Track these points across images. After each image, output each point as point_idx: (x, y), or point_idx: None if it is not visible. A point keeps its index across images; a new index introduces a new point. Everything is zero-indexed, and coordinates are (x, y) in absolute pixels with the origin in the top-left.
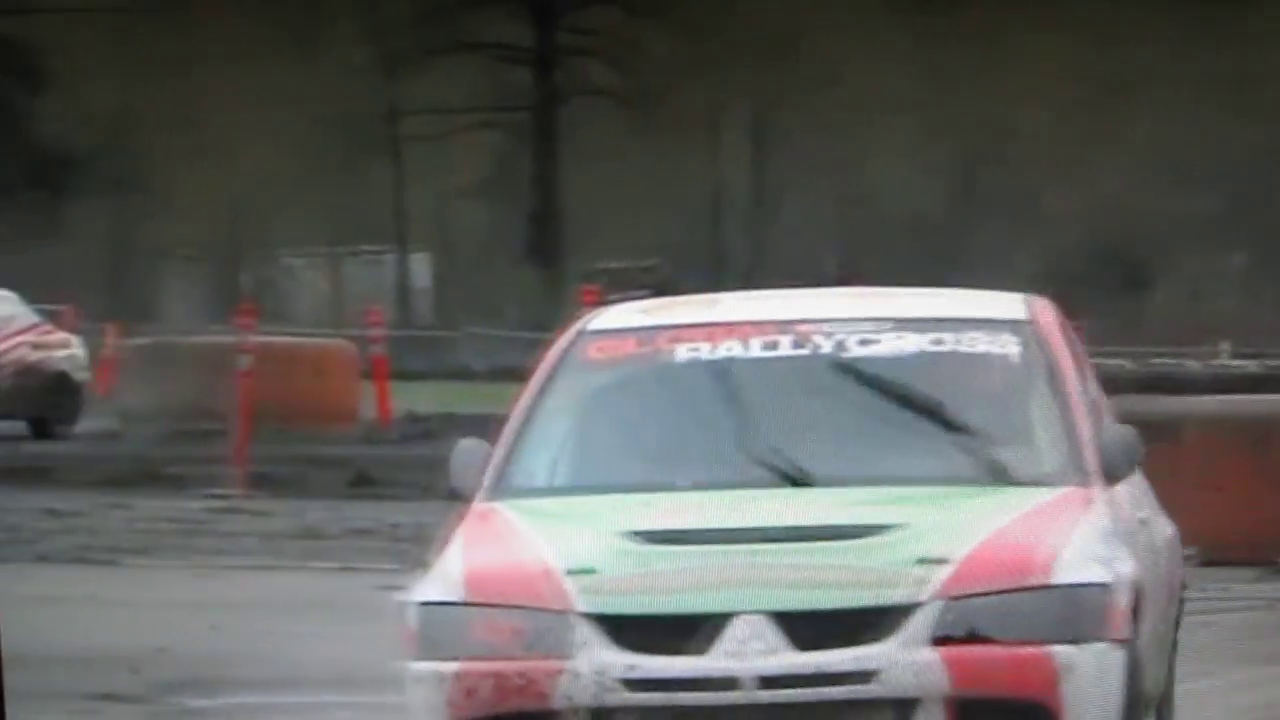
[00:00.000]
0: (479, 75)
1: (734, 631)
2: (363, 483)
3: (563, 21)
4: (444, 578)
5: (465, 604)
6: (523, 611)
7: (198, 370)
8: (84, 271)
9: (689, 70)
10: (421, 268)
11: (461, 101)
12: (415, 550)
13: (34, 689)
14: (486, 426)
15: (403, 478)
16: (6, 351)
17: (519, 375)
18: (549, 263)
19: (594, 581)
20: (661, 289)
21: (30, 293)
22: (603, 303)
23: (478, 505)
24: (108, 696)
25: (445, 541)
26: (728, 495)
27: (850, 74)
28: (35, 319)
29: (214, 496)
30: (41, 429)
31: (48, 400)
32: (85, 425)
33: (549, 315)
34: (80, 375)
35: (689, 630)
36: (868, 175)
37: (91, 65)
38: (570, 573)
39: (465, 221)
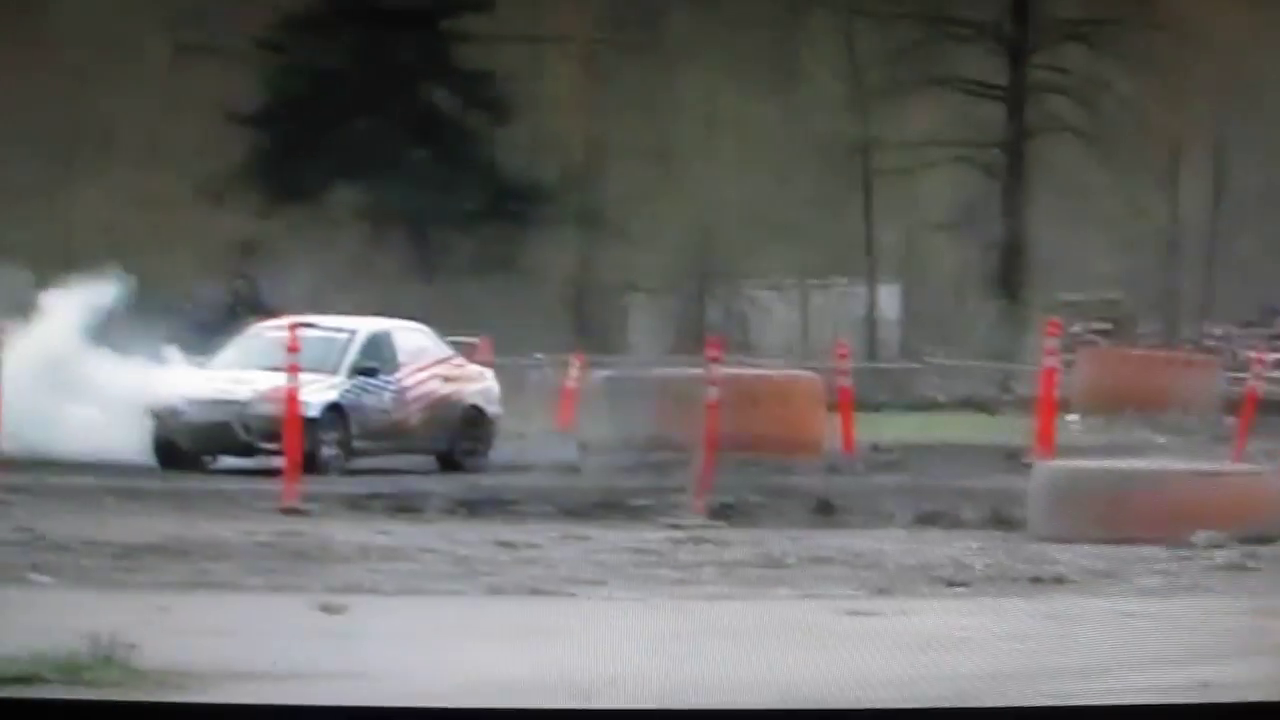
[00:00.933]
0: (950, 110)
1: None
2: (825, 511)
3: (1035, 59)
4: None
5: None
6: None
7: (661, 402)
8: (546, 303)
9: (1151, 107)
10: (890, 299)
11: (932, 136)
12: (874, 576)
13: None
14: (947, 457)
15: (864, 506)
16: (418, 385)
17: (980, 406)
18: (1012, 295)
19: None
20: (1121, 323)
21: (494, 326)
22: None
23: None
24: None
25: None
26: None
27: None
28: (448, 352)
29: (674, 527)
30: (450, 463)
31: (458, 434)
32: (545, 457)
33: (1011, 347)
34: (492, 409)
35: None
36: None
37: (560, 97)
38: None
39: (931, 254)
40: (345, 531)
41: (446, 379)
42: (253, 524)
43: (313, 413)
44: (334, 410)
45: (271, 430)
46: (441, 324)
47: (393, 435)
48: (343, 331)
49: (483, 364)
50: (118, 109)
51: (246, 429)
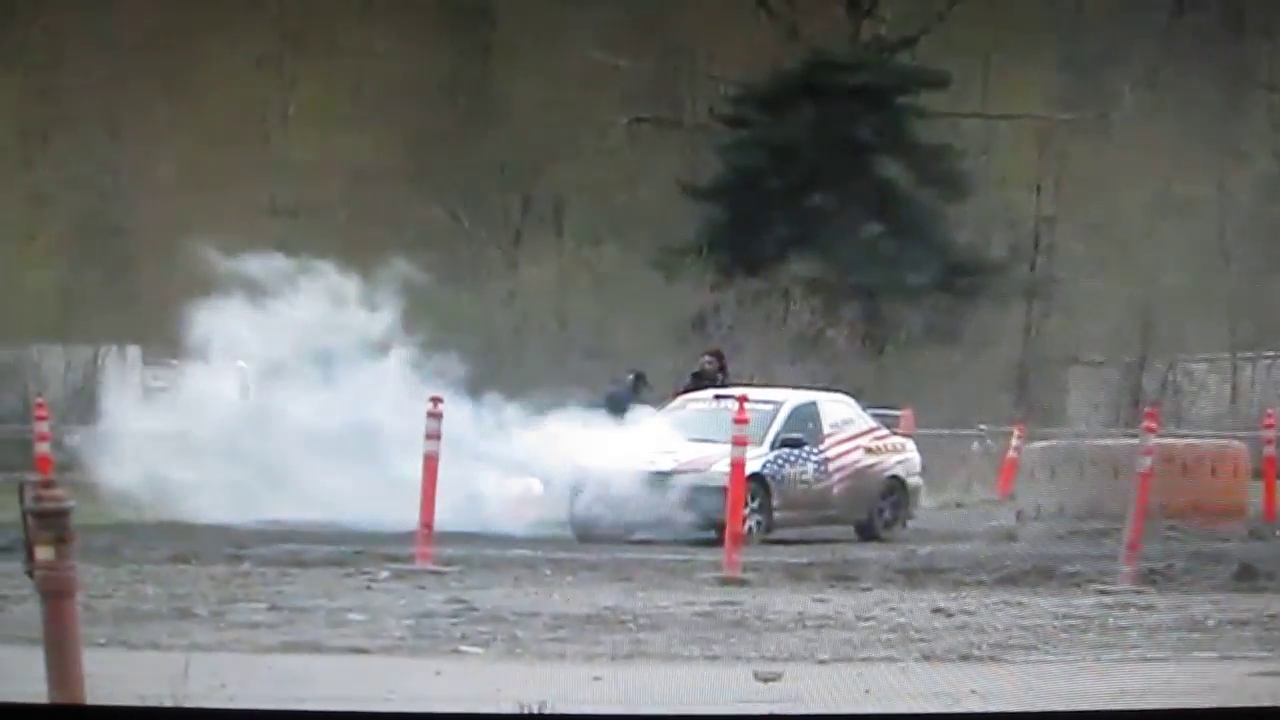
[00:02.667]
0: None
1: None
2: (1246, 576)
3: None
4: None
5: None
6: None
7: (1096, 471)
8: (990, 375)
9: None
10: None
11: None
12: None
13: None
14: None
15: None
16: (840, 456)
17: None
18: None
19: None
20: None
21: (939, 397)
22: None
23: None
24: None
25: None
26: None
27: None
28: (871, 424)
29: (1104, 592)
30: (868, 533)
31: (877, 505)
32: (983, 525)
33: None
34: (913, 480)
35: None
36: None
37: (1011, 173)
38: None
39: None
40: (783, 600)
41: (868, 450)
42: (691, 594)
43: None
44: (756, 480)
45: (692, 501)
46: (889, 395)
47: (813, 505)
48: (769, 403)
49: (905, 435)
50: (571, 182)
51: (667, 500)
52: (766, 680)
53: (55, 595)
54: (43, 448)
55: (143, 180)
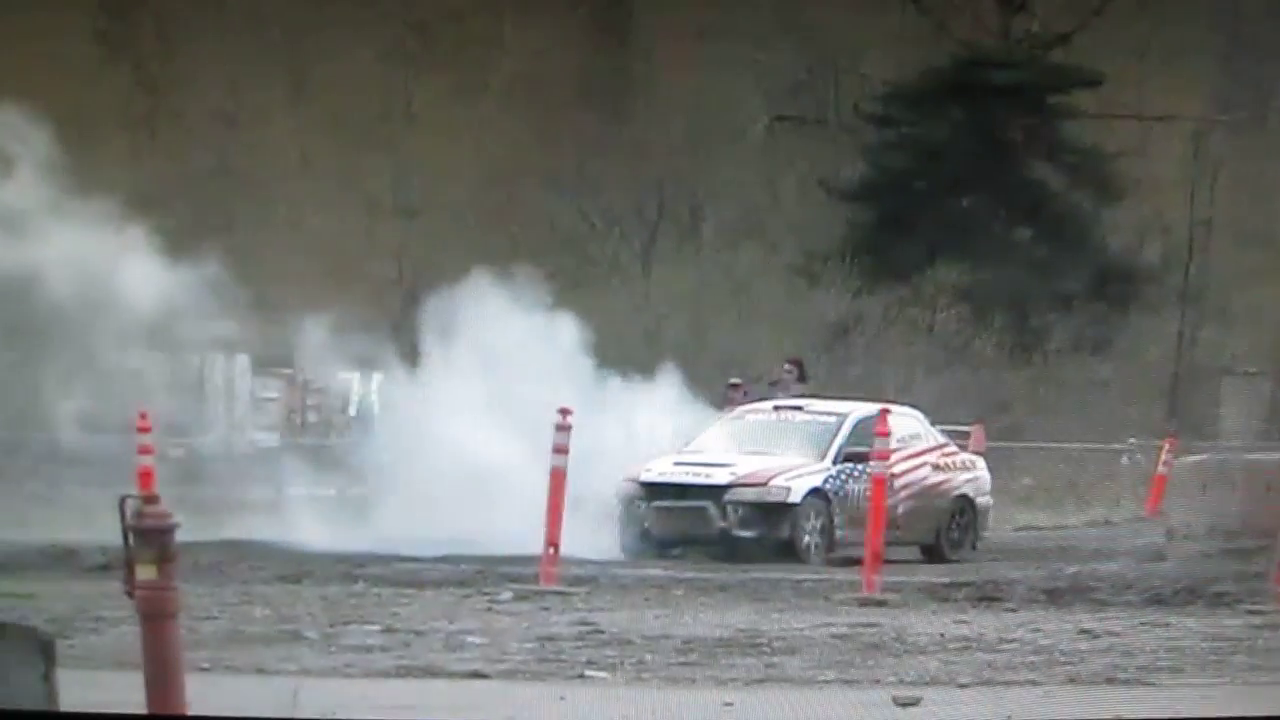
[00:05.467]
0: None
1: None
2: None
3: None
4: None
5: None
6: None
7: (1248, 487)
8: (1141, 386)
9: None
10: None
11: None
12: None
13: None
14: None
15: None
16: (906, 472)
17: None
18: None
19: None
20: None
21: (1088, 409)
22: None
23: None
24: None
25: None
26: None
27: None
28: (941, 440)
29: (1254, 613)
30: (935, 554)
31: (944, 523)
32: (1131, 544)
33: None
34: (982, 500)
35: None
36: None
37: (1166, 176)
38: None
39: None
40: (923, 622)
41: (936, 467)
42: (828, 615)
43: (794, 498)
44: (817, 496)
45: (750, 517)
46: (1035, 407)
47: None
48: (831, 415)
49: (976, 452)
50: (709, 182)
51: (723, 515)
52: (905, 705)
53: (156, 617)
54: (145, 461)
55: (257, 178)
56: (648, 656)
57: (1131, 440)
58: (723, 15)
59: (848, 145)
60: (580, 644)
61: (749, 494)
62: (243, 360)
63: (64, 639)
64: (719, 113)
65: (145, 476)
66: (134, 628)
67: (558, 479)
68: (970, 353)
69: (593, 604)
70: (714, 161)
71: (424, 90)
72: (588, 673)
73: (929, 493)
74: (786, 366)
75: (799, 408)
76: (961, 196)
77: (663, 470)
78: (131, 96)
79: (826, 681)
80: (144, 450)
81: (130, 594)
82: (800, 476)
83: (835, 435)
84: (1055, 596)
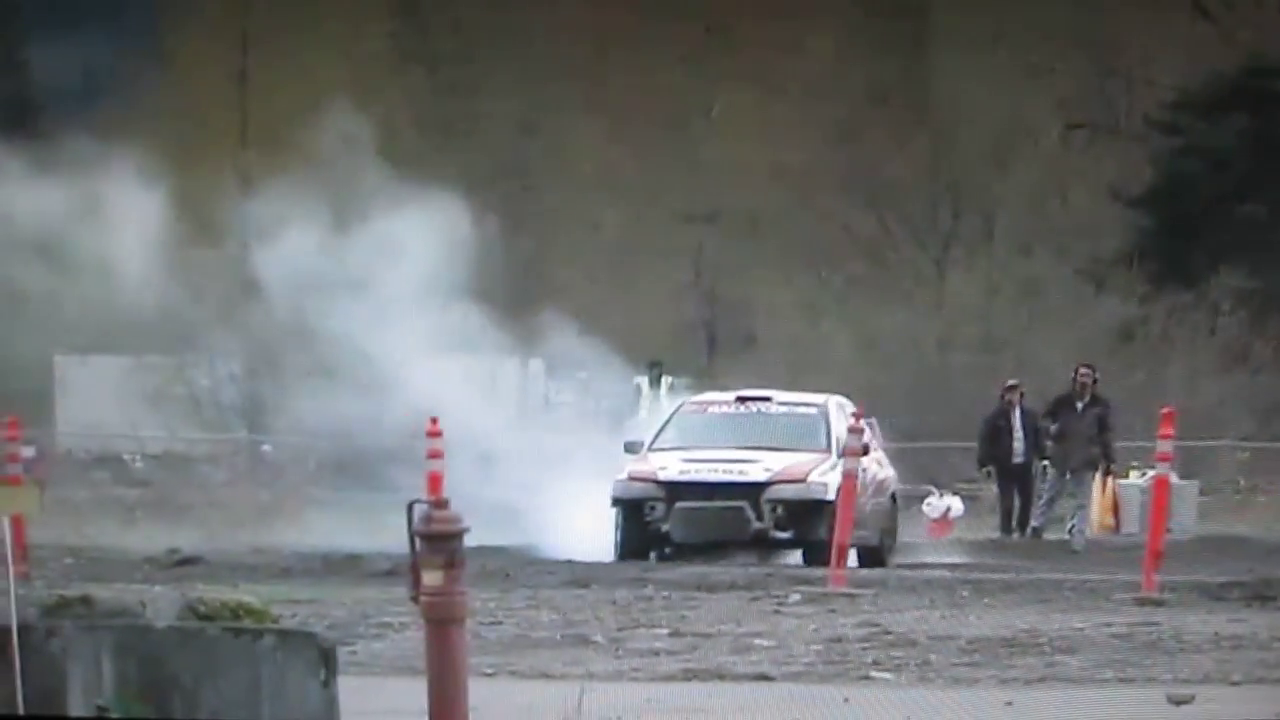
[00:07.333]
0: None
1: None
2: None
3: None
4: None
5: None
6: None
7: None
8: None
9: None
10: None
11: None
12: None
13: None
14: None
15: None
16: (870, 466)
17: None
18: None
19: None
20: None
21: None
22: None
23: None
24: None
25: None
26: None
27: None
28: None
29: None
30: (875, 558)
31: (886, 523)
32: None
33: None
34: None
35: None
36: None
37: None
38: None
39: None
40: (1199, 621)
41: (879, 463)
42: (1108, 614)
43: (830, 495)
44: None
45: (788, 516)
46: None
47: (857, 524)
48: (812, 406)
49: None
50: (1003, 188)
51: (759, 515)
52: (1179, 703)
53: (442, 622)
54: (434, 465)
55: (555, 182)
56: (932, 657)
57: None
58: (1018, 24)
59: (1137, 152)
60: (866, 645)
61: (789, 491)
62: (536, 364)
63: (345, 645)
64: (1013, 120)
65: (434, 481)
66: (418, 633)
67: (848, 482)
68: (1250, 356)
69: (880, 605)
70: (1007, 168)
71: (722, 94)
72: (873, 673)
73: (881, 489)
74: (1083, 370)
75: (768, 399)
76: (1245, 203)
77: (683, 469)
78: (427, 99)
79: (1104, 680)
80: (433, 454)
81: (416, 599)
82: (829, 472)
83: (830, 427)
84: None
